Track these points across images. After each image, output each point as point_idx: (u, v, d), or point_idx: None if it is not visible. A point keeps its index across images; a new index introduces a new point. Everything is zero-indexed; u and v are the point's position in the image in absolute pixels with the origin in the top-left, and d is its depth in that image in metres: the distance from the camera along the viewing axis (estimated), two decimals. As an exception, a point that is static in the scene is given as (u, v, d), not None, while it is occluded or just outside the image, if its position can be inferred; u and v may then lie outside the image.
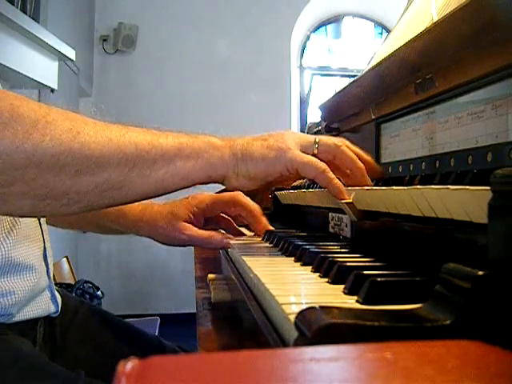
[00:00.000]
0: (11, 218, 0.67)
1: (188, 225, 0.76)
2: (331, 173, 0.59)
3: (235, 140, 0.60)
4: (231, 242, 0.71)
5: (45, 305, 0.72)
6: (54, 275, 0.77)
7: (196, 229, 0.75)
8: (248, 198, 0.80)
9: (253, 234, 0.87)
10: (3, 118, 0.45)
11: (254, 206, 0.79)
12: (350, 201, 0.60)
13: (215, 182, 0.60)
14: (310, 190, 0.84)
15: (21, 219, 0.69)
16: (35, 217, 0.73)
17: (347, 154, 0.62)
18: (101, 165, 0.49)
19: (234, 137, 0.61)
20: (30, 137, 0.45)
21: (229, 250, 0.72)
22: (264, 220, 0.79)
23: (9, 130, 0.45)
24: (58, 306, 0.76)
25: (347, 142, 0.63)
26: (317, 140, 0.61)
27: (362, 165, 0.62)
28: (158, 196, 0.58)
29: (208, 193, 0.82)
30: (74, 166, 0.48)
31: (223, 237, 0.73)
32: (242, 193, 0.80)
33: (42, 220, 0.76)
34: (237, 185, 0.60)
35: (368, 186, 0.60)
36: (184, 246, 0.78)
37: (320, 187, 0.81)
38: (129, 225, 0.80)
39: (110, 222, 0.81)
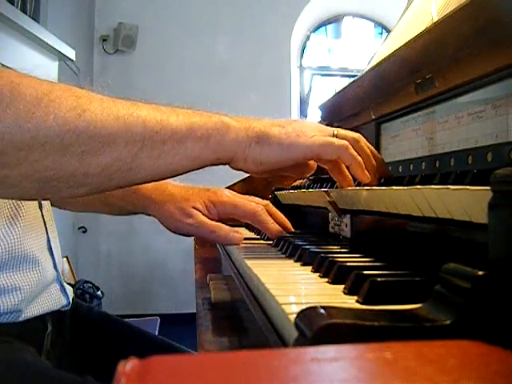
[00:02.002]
0: (12, 208, 0.66)
1: (197, 212, 0.72)
2: (353, 149, 0.58)
3: (252, 122, 0.57)
4: (238, 237, 0.67)
5: (54, 298, 0.71)
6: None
7: (205, 217, 0.72)
8: (274, 209, 0.78)
9: (252, 234, 0.87)
10: (4, 97, 0.42)
11: (284, 218, 0.78)
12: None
13: (223, 164, 0.57)
14: (310, 190, 0.84)
15: (23, 210, 0.68)
16: (43, 200, 0.71)
17: (364, 151, 0.60)
18: (108, 145, 0.47)
19: (250, 118, 0.58)
20: (32, 116, 0.43)
21: (229, 249, 0.72)
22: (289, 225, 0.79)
23: (10, 108, 0.42)
24: (68, 298, 0.75)
25: (363, 139, 0.62)
26: (335, 132, 0.60)
27: (375, 163, 0.62)
28: (167, 178, 0.55)
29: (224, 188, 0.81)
30: (80, 146, 0.45)
31: (231, 230, 0.69)
32: (263, 207, 0.76)
33: (45, 211, 0.75)
34: (243, 168, 0.57)
35: (373, 184, 0.60)
36: (187, 235, 0.74)
37: (320, 187, 0.81)
38: (137, 202, 0.77)
39: (118, 199, 0.78)
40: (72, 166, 0.46)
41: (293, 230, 0.79)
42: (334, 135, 0.59)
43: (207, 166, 0.55)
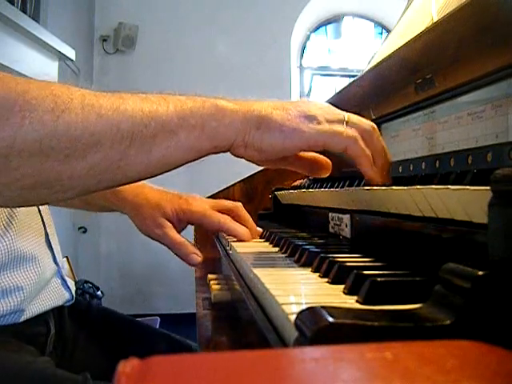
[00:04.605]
0: (8, 209, 0.66)
1: (169, 223, 0.76)
2: (362, 142, 0.53)
3: (252, 105, 0.52)
4: (197, 259, 0.71)
5: (56, 293, 0.71)
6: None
7: (174, 230, 0.75)
8: (244, 211, 0.81)
9: None
10: None
11: (252, 224, 0.80)
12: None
13: (222, 152, 0.53)
14: (310, 189, 0.84)
15: (18, 209, 0.68)
16: (30, 206, 0.70)
17: (376, 144, 0.55)
18: (92, 145, 0.43)
19: (250, 100, 0.53)
20: (7, 122, 0.40)
21: (229, 250, 0.72)
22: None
23: None
24: (71, 292, 0.75)
25: (377, 131, 0.56)
26: (346, 118, 0.54)
27: (389, 159, 0.57)
28: (163, 173, 0.52)
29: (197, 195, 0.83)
30: (62, 149, 0.42)
31: (193, 251, 0.72)
32: (241, 205, 0.80)
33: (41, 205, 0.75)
34: (244, 155, 0.53)
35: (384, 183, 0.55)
36: (156, 240, 0.78)
37: (320, 187, 0.81)
38: (116, 202, 0.79)
39: (100, 198, 0.80)
40: (55, 170, 0.43)
41: (258, 236, 0.80)
42: (344, 121, 0.53)
43: (206, 155, 0.52)
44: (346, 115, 0.54)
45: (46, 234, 0.73)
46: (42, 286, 0.68)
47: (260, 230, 0.82)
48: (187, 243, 0.73)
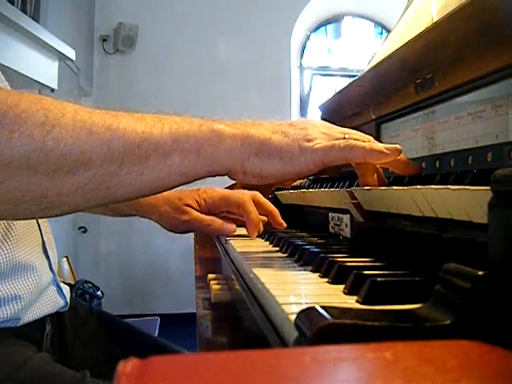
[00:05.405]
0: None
1: (190, 209, 0.78)
2: (358, 142, 0.51)
3: (249, 129, 0.50)
4: (231, 227, 0.74)
5: (52, 300, 0.71)
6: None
7: (198, 213, 0.78)
8: (263, 199, 0.82)
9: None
10: None
11: (272, 206, 0.82)
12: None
13: (220, 175, 0.52)
14: (310, 190, 0.84)
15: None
16: (17, 220, 0.68)
17: (380, 159, 0.53)
18: (82, 163, 0.43)
19: (249, 123, 0.52)
20: None
21: (229, 249, 0.72)
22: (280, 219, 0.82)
23: None
24: (65, 299, 0.74)
25: (378, 145, 0.53)
26: (346, 135, 0.53)
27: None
28: (155, 194, 0.51)
29: (216, 187, 0.84)
30: (50, 165, 0.41)
31: (224, 222, 0.76)
32: (259, 193, 0.82)
33: None
34: (242, 181, 0.52)
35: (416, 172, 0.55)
36: (184, 231, 0.80)
37: (320, 187, 0.81)
38: (139, 208, 0.81)
39: (123, 204, 0.81)
40: (42, 186, 0.42)
41: (280, 219, 0.82)
42: (343, 138, 0.53)
43: (201, 178, 0.51)
44: (347, 133, 0.53)
45: (43, 242, 0.73)
46: (38, 295, 0.68)
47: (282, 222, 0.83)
48: (215, 218, 0.77)
